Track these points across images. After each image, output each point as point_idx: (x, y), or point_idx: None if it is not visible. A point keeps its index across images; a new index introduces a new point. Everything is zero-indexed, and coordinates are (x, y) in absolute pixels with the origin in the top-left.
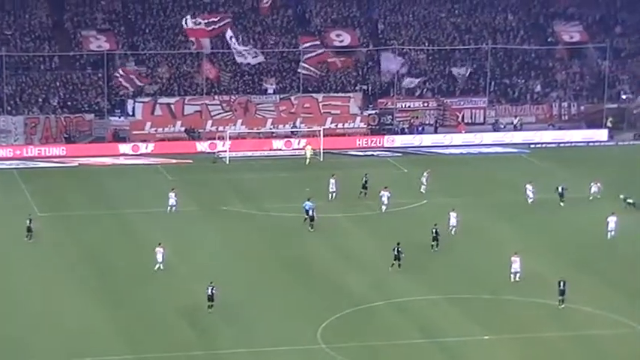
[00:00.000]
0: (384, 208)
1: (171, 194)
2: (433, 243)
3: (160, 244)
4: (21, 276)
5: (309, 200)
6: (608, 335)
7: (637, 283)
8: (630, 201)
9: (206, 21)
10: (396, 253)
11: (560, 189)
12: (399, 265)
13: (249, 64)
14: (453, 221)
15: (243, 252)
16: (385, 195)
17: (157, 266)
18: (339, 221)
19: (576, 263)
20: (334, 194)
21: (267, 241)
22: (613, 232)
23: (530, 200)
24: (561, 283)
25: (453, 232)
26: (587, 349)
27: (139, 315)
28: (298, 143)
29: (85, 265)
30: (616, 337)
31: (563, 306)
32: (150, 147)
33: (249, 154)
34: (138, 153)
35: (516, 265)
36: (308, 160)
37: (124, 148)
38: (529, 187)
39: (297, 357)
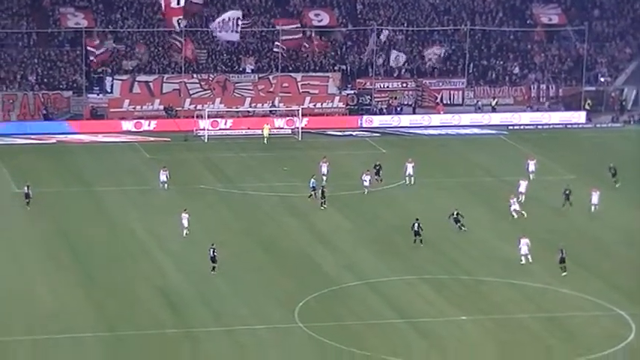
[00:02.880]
0: (366, 191)
1: (163, 172)
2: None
3: (185, 209)
4: None
5: (313, 177)
6: (584, 317)
7: (612, 265)
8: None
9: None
10: (416, 229)
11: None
12: (421, 240)
13: (231, 41)
14: (410, 171)
15: (219, 231)
16: (367, 178)
17: (185, 232)
18: (317, 202)
19: (553, 245)
20: (325, 178)
21: (244, 220)
22: (597, 206)
23: (531, 176)
24: (562, 251)
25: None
26: (563, 330)
27: (113, 293)
28: (301, 122)
29: (60, 243)
30: (591, 320)
31: (565, 273)
32: (152, 124)
33: (228, 132)
34: (141, 130)
35: (524, 247)
36: (266, 140)
37: (127, 125)
38: (532, 162)
39: (274, 336)
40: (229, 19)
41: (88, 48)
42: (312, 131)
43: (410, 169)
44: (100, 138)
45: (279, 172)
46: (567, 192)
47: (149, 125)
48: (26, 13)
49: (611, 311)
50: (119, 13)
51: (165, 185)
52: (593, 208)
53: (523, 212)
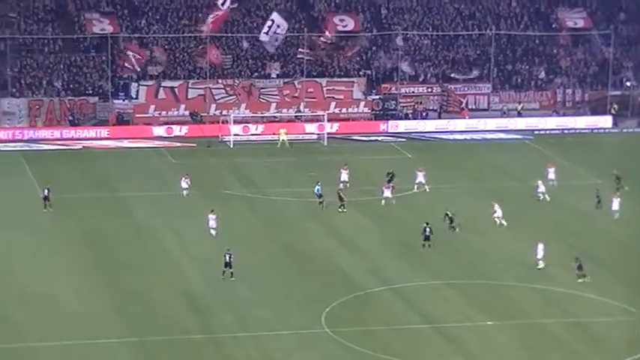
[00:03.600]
0: (383, 202)
1: (184, 179)
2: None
3: (212, 210)
4: (20, 258)
5: (318, 184)
6: (610, 322)
7: (638, 269)
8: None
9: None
10: (427, 234)
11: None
12: (429, 245)
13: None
14: (421, 179)
15: (244, 236)
16: (387, 191)
17: (213, 232)
18: (335, 208)
19: (577, 250)
20: (347, 184)
21: (269, 225)
22: (617, 213)
23: (552, 183)
24: (578, 259)
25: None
26: (588, 335)
27: (138, 298)
28: (330, 127)
29: (86, 249)
30: (618, 324)
31: (587, 279)
32: (184, 130)
33: (253, 138)
34: (172, 136)
35: (541, 252)
36: (284, 144)
37: (158, 130)
38: (552, 170)
39: (301, 341)
40: (280, 29)
41: (128, 52)
42: (338, 136)
43: (421, 178)
44: (126, 144)
45: (304, 177)
46: (598, 196)
47: (180, 131)
48: (52, 18)
49: (636, 316)
50: (144, 18)
51: (186, 192)
52: (615, 215)
53: (503, 222)
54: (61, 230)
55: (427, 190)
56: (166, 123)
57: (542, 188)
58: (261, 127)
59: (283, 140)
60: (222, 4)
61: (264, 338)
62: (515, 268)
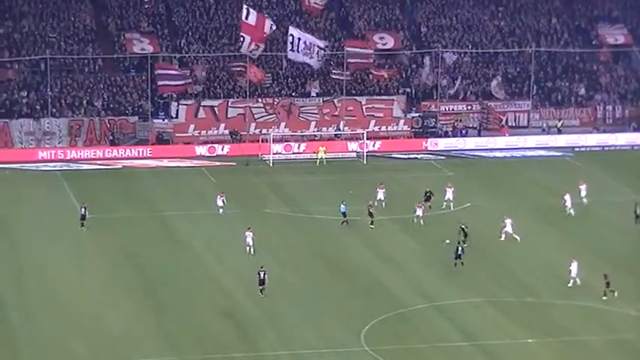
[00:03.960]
0: (415, 220)
1: (220, 197)
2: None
3: (249, 228)
4: (63, 278)
5: (343, 203)
6: None
7: None
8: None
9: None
10: (459, 252)
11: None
12: (462, 263)
13: (307, 64)
14: (449, 196)
15: (285, 254)
16: (419, 210)
17: (248, 250)
18: (381, 224)
19: (619, 266)
20: (383, 203)
21: (310, 243)
22: None
23: (584, 201)
24: (606, 276)
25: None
26: (630, 353)
27: (180, 317)
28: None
29: (127, 268)
30: None
31: (605, 297)
32: (226, 149)
33: (293, 156)
34: (214, 155)
35: (575, 269)
36: (320, 162)
37: (200, 149)
38: (583, 187)
39: None
40: (312, 44)
41: (159, 71)
42: (378, 154)
43: (449, 194)
44: (166, 163)
45: (344, 195)
46: (636, 211)
47: (222, 150)
48: (92, 38)
49: None
50: (184, 38)
51: (222, 210)
52: None
53: (507, 235)
54: (101, 249)
55: (452, 208)
56: (206, 142)
57: (569, 203)
58: (303, 146)
59: (321, 158)
60: (247, 18)
61: (304, 356)
62: (554, 285)
